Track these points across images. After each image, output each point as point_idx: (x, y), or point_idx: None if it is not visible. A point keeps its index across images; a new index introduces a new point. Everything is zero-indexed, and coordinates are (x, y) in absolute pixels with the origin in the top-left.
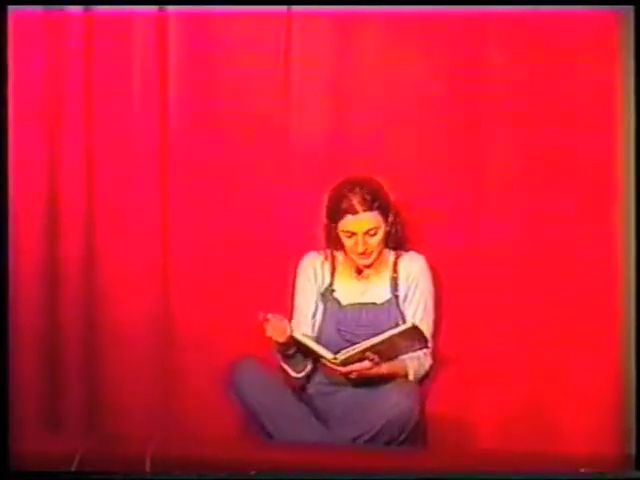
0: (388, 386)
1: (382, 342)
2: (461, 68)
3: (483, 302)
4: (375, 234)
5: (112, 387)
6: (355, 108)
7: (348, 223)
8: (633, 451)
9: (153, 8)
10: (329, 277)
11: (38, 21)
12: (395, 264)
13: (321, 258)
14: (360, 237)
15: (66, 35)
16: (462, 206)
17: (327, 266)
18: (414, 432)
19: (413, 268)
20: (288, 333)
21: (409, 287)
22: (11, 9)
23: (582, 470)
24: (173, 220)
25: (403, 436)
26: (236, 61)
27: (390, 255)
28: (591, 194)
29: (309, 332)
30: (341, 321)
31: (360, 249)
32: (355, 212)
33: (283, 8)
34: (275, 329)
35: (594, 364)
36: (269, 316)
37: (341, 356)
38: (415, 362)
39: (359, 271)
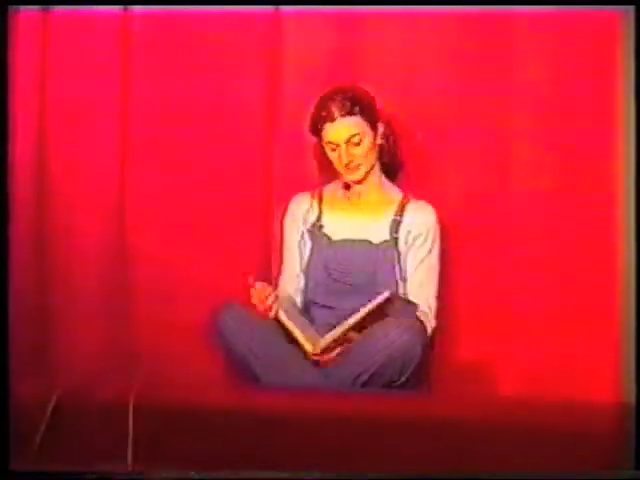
0: (386, 321)
1: (361, 320)
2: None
3: (494, 256)
4: (359, 143)
5: (77, 327)
6: None
7: (328, 133)
8: (633, 449)
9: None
10: (317, 211)
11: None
12: (402, 207)
13: (308, 196)
14: (343, 147)
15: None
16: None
17: (315, 202)
18: (416, 374)
19: (422, 218)
20: (273, 314)
21: (414, 236)
22: (11, 9)
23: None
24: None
25: (404, 377)
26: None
27: (397, 194)
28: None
29: (294, 287)
30: (330, 258)
31: (344, 160)
32: (333, 119)
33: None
34: (260, 301)
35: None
36: (255, 283)
37: (321, 344)
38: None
39: (347, 186)
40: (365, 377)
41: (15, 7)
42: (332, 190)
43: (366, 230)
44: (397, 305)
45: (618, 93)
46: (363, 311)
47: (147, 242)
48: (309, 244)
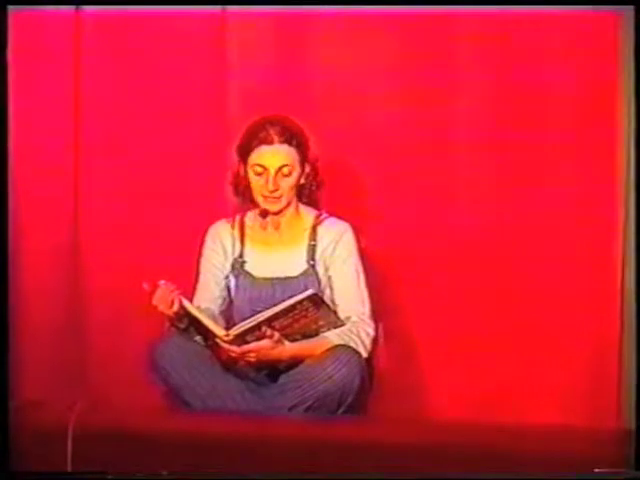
0: (324, 354)
1: (279, 314)
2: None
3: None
4: (289, 175)
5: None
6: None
7: (261, 155)
8: (633, 451)
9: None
10: (239, 246)
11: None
12: (314, 230)
13: (228, 226)
14: (272, 173)
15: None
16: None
17: (236, 233)
18: (355, 404)
19: (335, 237)
20: (176, 307)
21: (332, 258)
22: (11, 9)
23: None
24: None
25: (342, 409)
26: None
27: (309, 218)
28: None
29: (216, 311)
30: (255, 299)
31: (270, 187)
32: (271, 142)
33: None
34: (162, 300)
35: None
36: (161, 282)
37: (234, 331)
38: (345, 336)
39: (264, 214)
40: (301, 409)
41: (15, 7)
42: (252, 220)
43: (286, 263)
44: (322, 311)
45: (618, 93)
46: (282, 305)
47: (99, 267)
48: (233, 280)
